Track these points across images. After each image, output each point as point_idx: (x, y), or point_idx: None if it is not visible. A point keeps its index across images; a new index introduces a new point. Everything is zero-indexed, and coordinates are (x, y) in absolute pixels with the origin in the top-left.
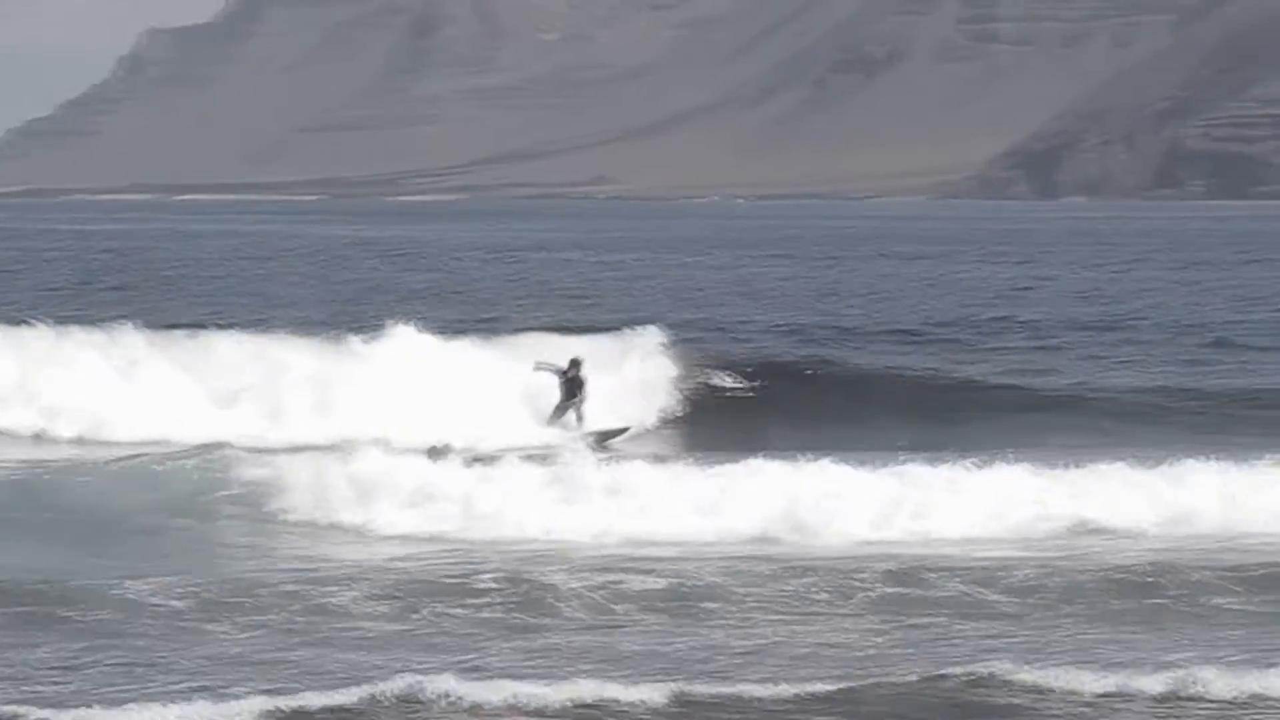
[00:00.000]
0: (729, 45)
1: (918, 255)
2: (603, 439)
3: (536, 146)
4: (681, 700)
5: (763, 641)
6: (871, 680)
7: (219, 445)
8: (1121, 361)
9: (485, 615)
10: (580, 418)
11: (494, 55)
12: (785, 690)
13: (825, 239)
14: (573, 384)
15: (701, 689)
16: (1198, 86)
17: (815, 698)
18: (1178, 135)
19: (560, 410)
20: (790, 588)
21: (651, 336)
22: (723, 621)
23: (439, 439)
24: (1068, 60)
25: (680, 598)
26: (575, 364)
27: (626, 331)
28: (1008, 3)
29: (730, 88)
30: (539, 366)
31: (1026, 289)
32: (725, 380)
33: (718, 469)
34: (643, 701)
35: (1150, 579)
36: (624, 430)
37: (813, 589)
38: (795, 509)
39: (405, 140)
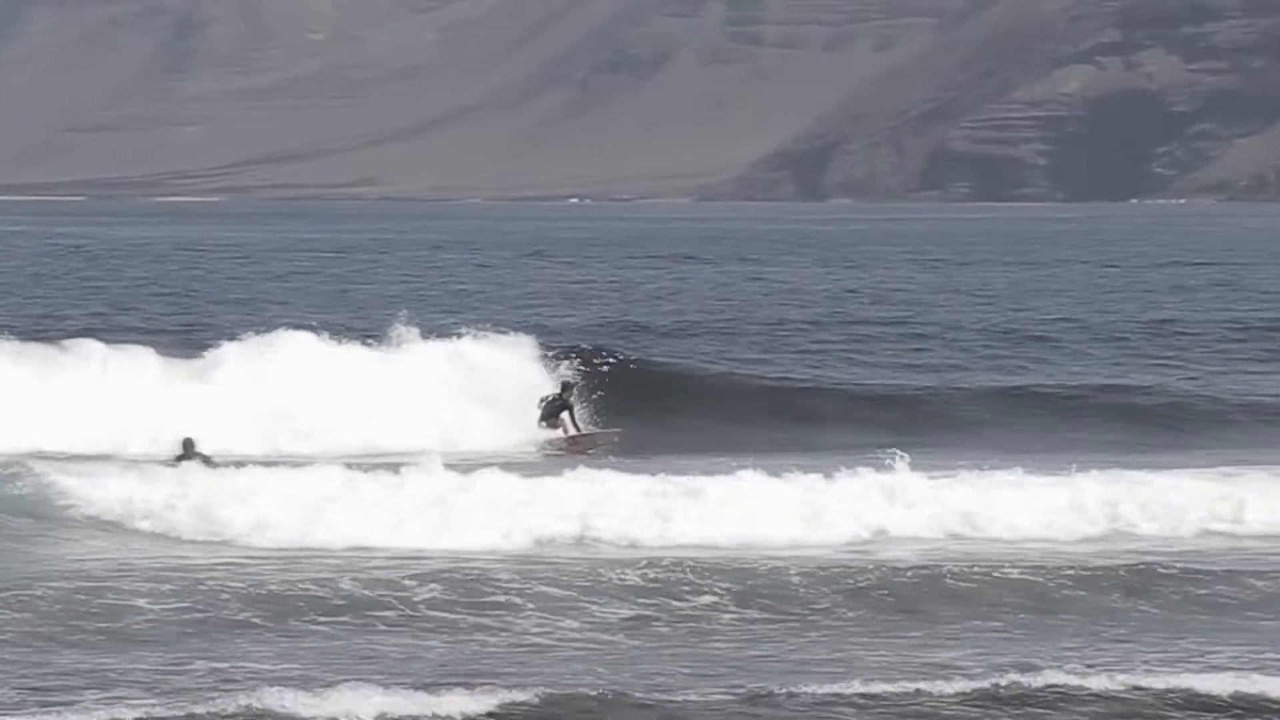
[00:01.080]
0: (495, 46)
1: (689, 256)
2: (591, 443)
3: (304, 147)
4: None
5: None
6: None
7: (31, 455)
8: (916, 353)
9: (259, 621)
10: (566, 429)
11: (260, 56)
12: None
13: (611, 239)
14: (563, 406)
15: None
16: (961, 89)
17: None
18: (942, 137)
19: (550, 426)
20: (570, 591)
21: (526, 344)
22: (501, 625)
23: (185, 436)
24: (832, 63)
25: (465, 602)
26: (568, 387)
27: (499, 338)
28: (773, 6)
29: (495, 89)
30: (545, 419)
31: (795, 290)
32: (601, 382)
33: (526, 476)
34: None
35: (935, 584)
36: (614, 433)
37: (593, 592)
38: (593, 515)
39: (170, 141)
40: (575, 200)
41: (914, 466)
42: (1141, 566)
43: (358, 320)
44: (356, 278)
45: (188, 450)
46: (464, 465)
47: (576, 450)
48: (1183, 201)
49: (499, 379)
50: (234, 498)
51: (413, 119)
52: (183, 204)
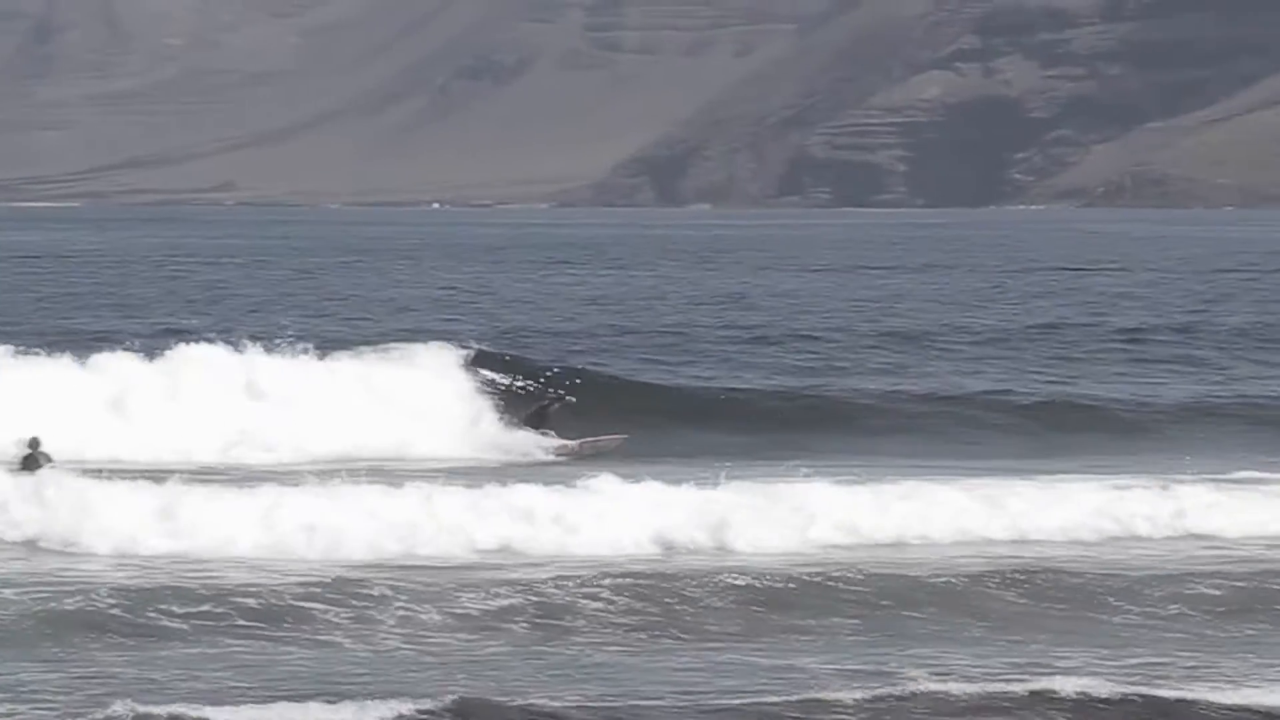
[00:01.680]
0: (355, 51)
1: (563, 261)
2: (594, 448)
3: (162, 152)
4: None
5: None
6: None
7: None
8: (804, 356)
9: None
10: (549, 433)
11: (119, 60)
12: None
13: (481, 244)
14: (543, 415)
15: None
16: (820, 95)
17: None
18: (801, 143)
19: (538, 431)
20: (445, 600)
21: (448, 353)
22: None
23: (31, 436)
24: (692, 69)
25: (276, 614)
26: (555, 399)
27: (415, 347)
28: (633, 12)
29: (355, 94)
30: (528, 423)
31: (656, 297)
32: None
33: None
34: None
35: (814, 590)
36: (620, 438)
37: (469, 599)
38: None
39: (27, 146)
40: (436, 205)
41: (813, 472)
42: (1027, 571)
43: (238, 326)
44: (226, 283)
45: (33, 449)
46: (358, 475)
47: (580, 455)
48: (1040, 207)
49: (424, 387)
50: (102, 506)
51: (272, 124)
52: (41, 209)
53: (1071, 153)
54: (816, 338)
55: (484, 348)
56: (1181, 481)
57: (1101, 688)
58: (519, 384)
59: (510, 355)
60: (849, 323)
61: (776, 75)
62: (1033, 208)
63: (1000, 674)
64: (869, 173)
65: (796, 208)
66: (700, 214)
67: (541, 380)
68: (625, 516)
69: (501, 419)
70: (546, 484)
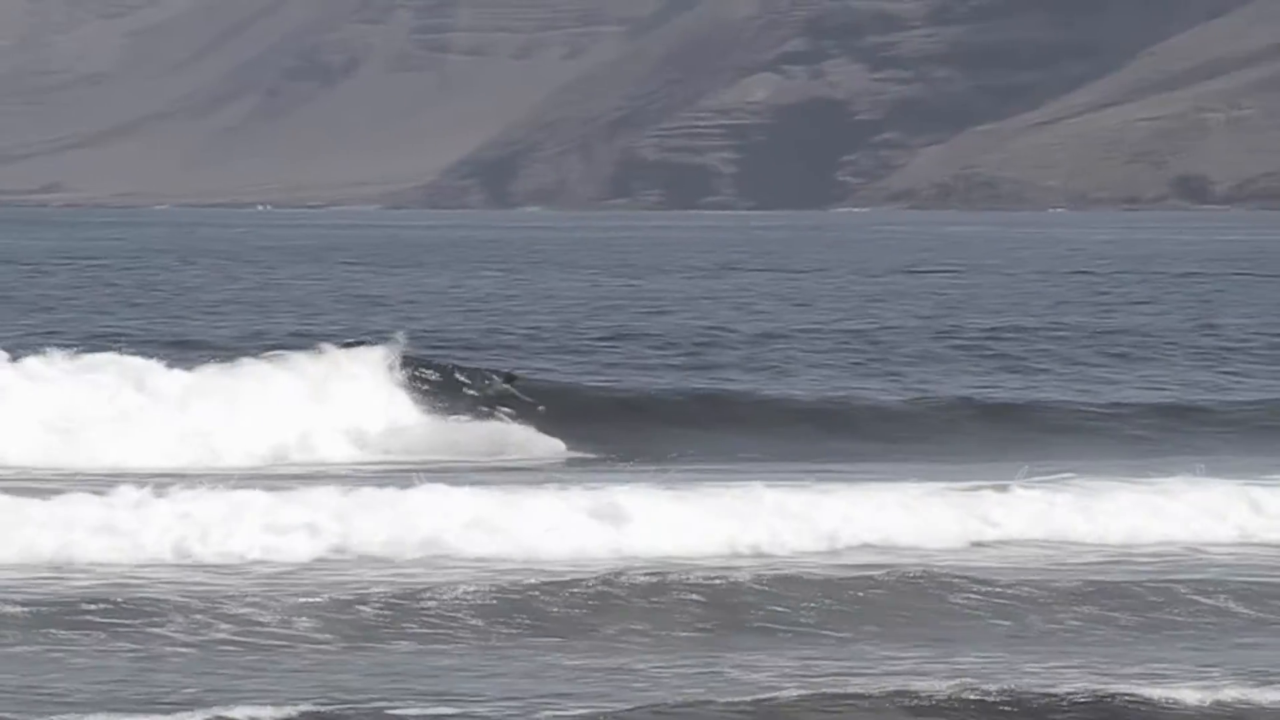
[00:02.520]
0: (183, 52)
1: (420, 263)
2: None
3: None
4: None
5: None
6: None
7: None
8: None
9: None
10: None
11: None
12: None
13: (329, 245)
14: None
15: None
16: (650, 97)
17: None
18: (631, 145)
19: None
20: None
21: (377, 356)
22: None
23: None
24: (521, 70)
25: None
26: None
27: (336, 350)
28: (462, 13)
29: (183, 95)
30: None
31: (513, 296)
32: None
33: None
34: None
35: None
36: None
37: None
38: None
39: None
40: (262, 207)
41: (678, 473)
42: (872, 573)
43: (117, 329)
44: (64, 286)
45: None
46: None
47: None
48: (868, 210)
49: (362, 388)
50: None
51: (99, 125)
52: None
53: (899, 155)
54: (668, 337)
55: (410, 349)
56: (1036, 484)
57: (943, 687)
58: (460, 383)
59: (436, 357)
60: (701, 322)
61: (607, 77)
62: (860, 210)
63: (842, 675)
64: (698, 175)
65: (627, 209)
66: (531, 216)
67: (474, 380)
68: (468, 517)
69: (442, 416)
70: (403, 486)
